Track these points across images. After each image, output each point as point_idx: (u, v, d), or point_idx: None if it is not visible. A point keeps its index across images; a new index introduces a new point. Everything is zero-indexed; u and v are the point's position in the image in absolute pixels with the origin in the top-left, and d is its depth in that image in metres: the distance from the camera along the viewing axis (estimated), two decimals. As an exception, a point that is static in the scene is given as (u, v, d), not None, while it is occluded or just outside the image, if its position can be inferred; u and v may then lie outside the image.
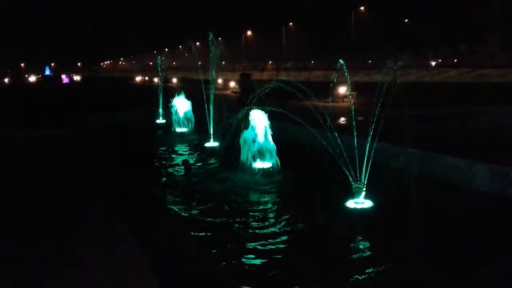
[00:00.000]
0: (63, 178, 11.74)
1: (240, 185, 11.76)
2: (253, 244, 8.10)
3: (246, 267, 7.32)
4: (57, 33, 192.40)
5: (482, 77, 56.85)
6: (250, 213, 9.80)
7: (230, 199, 10.71)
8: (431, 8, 73.91)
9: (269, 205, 10.41)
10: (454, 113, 20.90)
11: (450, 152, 11.74)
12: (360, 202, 9.31)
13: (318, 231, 8.62)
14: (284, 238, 8.40)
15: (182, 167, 13.53)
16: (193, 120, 19.89)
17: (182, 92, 20.29)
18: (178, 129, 19.97)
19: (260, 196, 11.16)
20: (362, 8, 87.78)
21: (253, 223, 9.25)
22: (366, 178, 9.30)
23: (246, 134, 12.72)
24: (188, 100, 20.15)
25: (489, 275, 6.70)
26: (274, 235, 8.54)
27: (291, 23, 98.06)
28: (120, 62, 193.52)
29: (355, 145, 9.31)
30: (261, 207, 10.28)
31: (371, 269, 7.06)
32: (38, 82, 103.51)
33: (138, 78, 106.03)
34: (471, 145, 12.93)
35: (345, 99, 28.49)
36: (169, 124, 20.81)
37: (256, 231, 8.84)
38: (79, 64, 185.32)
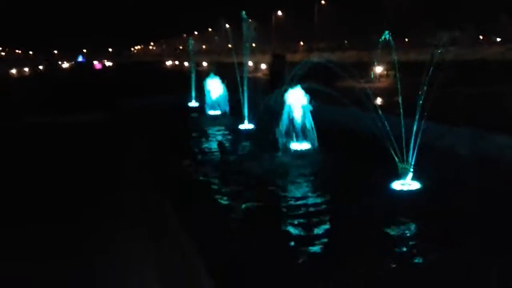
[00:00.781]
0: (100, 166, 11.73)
1: (277, 167, 11.38)
2: (292, 228, 7.71)
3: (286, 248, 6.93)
4: (87, 20, 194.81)
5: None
6: (287, 197, 9.35)
7: (267, 181, 10.33)
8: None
9: (306, 189, 9.85)
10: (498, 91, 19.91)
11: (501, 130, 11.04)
12: (407, 184, 8.82)
13: (362, 215, 8.04)
14: (325, 222, 7.95)
15: (218, 149, 13.26)
16: (227, 102, 19.56)
17: (214, 74, 19.99)
18: (212, 112, 19.70)
19: (296, 178, 10.62)
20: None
21: (291, 208, 8.74)
22: (414, 158, 8.79)
23: (283, 114, 12.31)
24: (221, 82, 19.83)
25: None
26: (314, 219, 8.06)
27: (323, 1, 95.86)
28: (151, 47, 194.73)
29: (402, 124, 8.81)
30: (297, 191, 9.74)
31: (419, 257, 6.58)
32: (71, 68, 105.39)
33: (169, 63, 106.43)
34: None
35: (381, 79, 27.70)
36: (202, 107, 20.58)
37: (295, 219, 8.27)
38: (110, 50, 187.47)
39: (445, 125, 11.86)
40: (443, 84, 9.15)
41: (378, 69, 28.42)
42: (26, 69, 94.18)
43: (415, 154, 8.85)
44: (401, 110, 9.08)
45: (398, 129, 8.96)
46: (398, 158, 8.86)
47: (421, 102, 9.06)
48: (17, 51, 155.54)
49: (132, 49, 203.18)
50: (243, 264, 6.05)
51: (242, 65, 18.11)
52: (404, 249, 6.99)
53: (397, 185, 8.83)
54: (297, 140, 12.31)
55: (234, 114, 18.40)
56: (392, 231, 7.47)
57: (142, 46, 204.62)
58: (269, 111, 13.40)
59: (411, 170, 8.81)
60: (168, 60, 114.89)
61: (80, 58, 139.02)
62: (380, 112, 9.33)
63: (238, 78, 17.70)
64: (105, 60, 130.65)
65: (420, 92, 9.12)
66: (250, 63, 50.91)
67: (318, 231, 7.61)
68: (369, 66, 26.38)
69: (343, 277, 6.04)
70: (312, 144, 12.23)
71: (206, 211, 8.14)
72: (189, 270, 5.73)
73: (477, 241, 6.77)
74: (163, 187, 9.16)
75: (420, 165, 8.98)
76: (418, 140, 8.88)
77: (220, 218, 8.00)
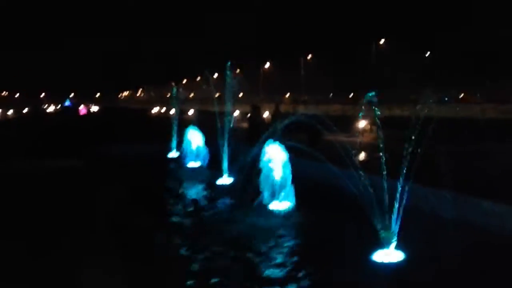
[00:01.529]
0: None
1: (253, 229, 10.66)
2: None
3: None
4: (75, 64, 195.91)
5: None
6: (261, 263, 8.61)
7: (240, 244, 9.59)
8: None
9: (282, 256, 8.96)
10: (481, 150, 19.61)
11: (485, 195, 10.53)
12: (389, 254, 8.15)
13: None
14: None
15: (192, 206, 12.60)
16: (206, 154, 18.96)
17: (195, 124, 19.52)
18: (191, 164, 19.06)
19: (274, 242, 9.78)
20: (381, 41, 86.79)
21: (265, 275, 8.04)
22: (397, 225, 8.19)
23: (262, 171, 11.76)
24: (201, 133, 19.32)
25: None
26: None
27: (309, 56, 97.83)
28: (138, 94, 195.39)
29: (385, 186, 8.27)
30: (274, 256, 8.95)
31: None
32: (56, 112, 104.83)
33: (156, 109, 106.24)
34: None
35: (365, 134, 27.44)
36: (181, 158, 19.92)
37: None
38: (98, 94, 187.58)
39: (429, 187, 11.35)
40: (427, 143, 8.74)
41: (362, 124, 28.22)
42: (10, 112, 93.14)
43: (398, 220, 8.25)
44: (384, 172, 8.54)
45: (381, 192, 8.42)
46: (380, 224, 8.24)
47: (405, 162, 8.61)
48: (2, 93, 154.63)
49: (119, 95, 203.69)
50: None
51: (225, 114, 17.65)
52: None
53: (379, 255, 8.14)
54: (275, 198, 11.72)
55: (213, 167, 17.75)
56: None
57: (130, 92, 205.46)
58: (249, 165, 12.85)
59: (394, 239, 8.17)
60: (155, 107, 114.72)
61: (67, 102, 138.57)
62: (361, 172, 8.87)
63: (219, 129, 17.17)
64: (92, 105, 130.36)
65: (404, 153, 8.69)
66: (237, 113, 50.92)
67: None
68: (353, 120, 26.15)
69: None
70: (290, 203, 11.63)
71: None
72: None
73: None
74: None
75: (404, 231, 8.38)
76: (403, 204, 8.34)
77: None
